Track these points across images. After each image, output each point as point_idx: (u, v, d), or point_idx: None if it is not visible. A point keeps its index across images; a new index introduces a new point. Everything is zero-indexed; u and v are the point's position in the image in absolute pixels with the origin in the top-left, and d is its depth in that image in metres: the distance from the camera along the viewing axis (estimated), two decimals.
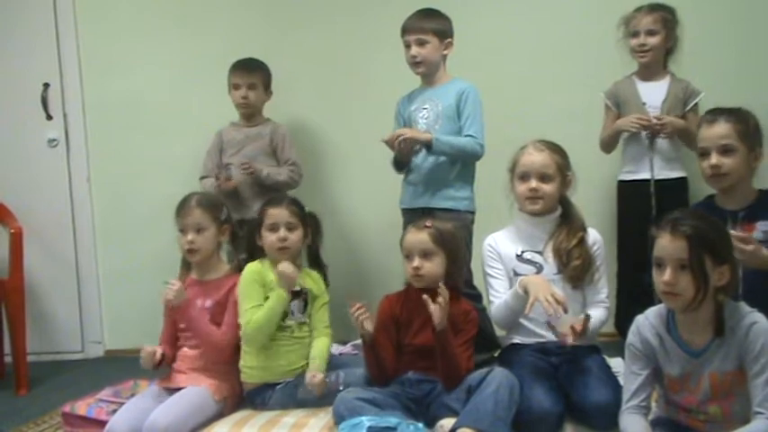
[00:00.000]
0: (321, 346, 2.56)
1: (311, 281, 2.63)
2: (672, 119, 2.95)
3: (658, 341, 1.90)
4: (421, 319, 2.33)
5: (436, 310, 2.21)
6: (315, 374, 2.40)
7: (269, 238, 2.56)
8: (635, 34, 3.04)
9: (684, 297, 1.78)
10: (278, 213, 2.57)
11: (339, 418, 2.20)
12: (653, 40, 3.01)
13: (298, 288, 2.54)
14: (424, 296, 2.22)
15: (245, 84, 3.28)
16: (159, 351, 2.54)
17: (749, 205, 2.27)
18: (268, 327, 2.47)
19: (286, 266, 2.49)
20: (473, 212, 2.89)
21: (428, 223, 2.40)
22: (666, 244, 1.79)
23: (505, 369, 2.22)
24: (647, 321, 1.94)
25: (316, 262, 2.71)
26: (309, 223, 2.65)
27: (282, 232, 2.55)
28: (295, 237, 2.57)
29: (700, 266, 1.76)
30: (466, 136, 2.80)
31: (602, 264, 2.44)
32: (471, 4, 3.38)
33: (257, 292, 2.51)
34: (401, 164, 2.93)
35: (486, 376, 2.16)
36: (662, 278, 1.79)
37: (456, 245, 2.43)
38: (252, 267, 2.57)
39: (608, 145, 3.12)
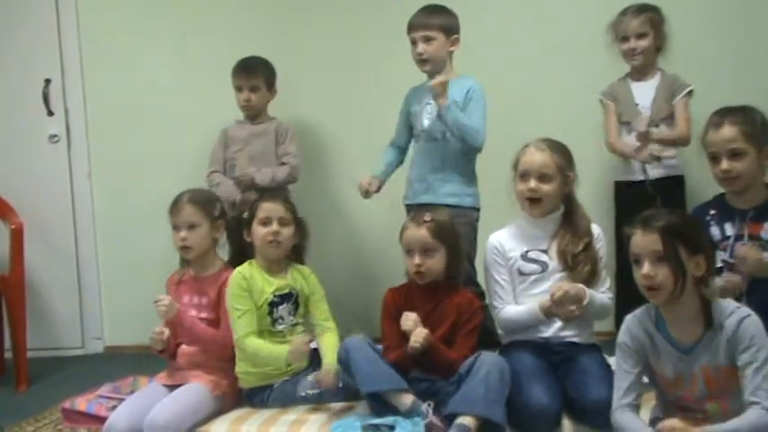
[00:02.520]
0: (328, 341, 2.54)
1: (301, 278, 2.61)
2: (660, 134, 2.95)
3: (648, 339, 1.92)
4: (424, 311, 2.34)
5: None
6: (327, 374, 2.39)
7: (260, 232, 2.53)
8: (624, 39, 3.03)
9: (665, 289, 1.82)
10: (272, 207, 2.55)
11: (343, 353, 2.29)
12: (643, 43, 3.01)
13: (286, 291, 2.53)
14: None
15: (247, 86, 3.26)
16: (167, 331, 2.51)
17: (759, 204, 2.26)
18: (260, 361, 2.47)
19: (299, 343, 2.45)
20: (478, 209, 2.90)
21: (427, 217, 2.39)
22: (640, 239, 1.86)
23: (493, 353, 2.25)
24: (635, 319, 1.97)
25: (298, 261, 2.68)
26: (299, 224, 2.63)
27: (275, 226, 2.52)
28: (287, 232, 2.55)
29: (675, 257, 1.81)
30: None
31: (604, 256, 2.45)
32: (473, 3, 3.38)
33: (245, 299, 2.48)
34: None
35: (474, 362, 2.18)
36: (641, 273, 1.84)
37: (455, 236, 2.43)
38: (239, 273, 2.53)
39: (615, 153, 3.11)
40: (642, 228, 1.85)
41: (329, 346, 2.52)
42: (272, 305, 2.53)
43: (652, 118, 3.00)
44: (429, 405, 2.17)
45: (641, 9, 3.02)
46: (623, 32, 3.03)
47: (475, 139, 2.81)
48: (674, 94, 3.01)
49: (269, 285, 2.53)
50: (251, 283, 2.51)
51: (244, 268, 2.55)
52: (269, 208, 2.55)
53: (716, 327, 1.83)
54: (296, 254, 2.66)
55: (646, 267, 1.83)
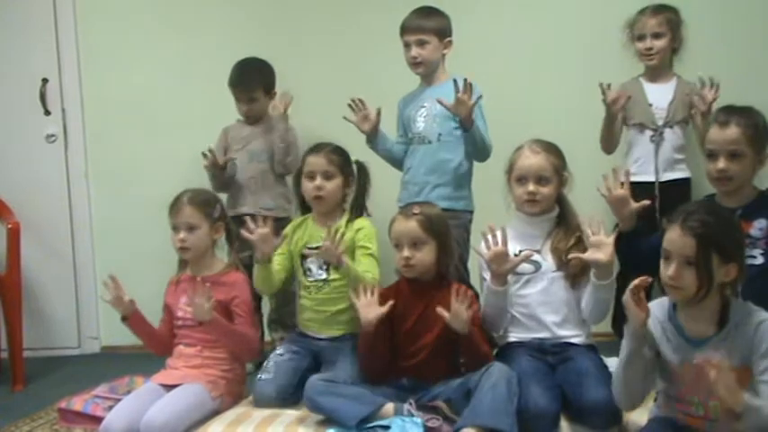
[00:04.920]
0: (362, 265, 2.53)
1: (349, 232, 2.59)
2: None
3: (660, 329, 1.92)
4: (415, 312, 2.35)
5: (454, 319, 2.22)
6: (328, 247, 2.43)
7: (306, 186, 2.63)
8: (641, 38, 3.02)
9: (687, 292, 1.82)
10: (315, 161, 2.63)
11: (309, 401, 2.28)
12: (660, 43, 3.00)
13: (318, 245, 2.54)
14: (438, 309, 2.22)
15: (245, 99, 3.27)
16: (119, 287, 2.57)
17: (747, 203, 2.27)
18: (261, 283, 2.62)
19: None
20: (471, 212, 2.90)
21: (416, 210, 2.38)
22: (675, 238, 1.82)
23: (502, 364, 2.23)
24: (655, 304, 1.94)
25: (359, 212, 2.69)
26: (352, 173, 2.68)
27: (319, 181, 2.60)
28: (331, 186, 2.61)
29: (705, 265, 1.79)
30: None
31: None
32: (471, 3, 3.38)
33: (285, 242, 2.66)
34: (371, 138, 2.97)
35: (482, 375, 2.17)
36: (667, 272, 1.82)
37: (446, 230, 2.41)
38: (293, 222, 2.75)
39: (606, 141, 3.09)
40: (681, 227, 1.80)
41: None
42: (303, 257, 2.64)
43: (667, 120, 3.00)
44: (410, 404, 2.19)
45: (660, 8, 3.02)
46: (640, 31, 3.02)
47: (489, 152, 2.86)
48: (693, 103, 2.97)
49: (307, 237, 2.65)
50: (296, 230, 2.69)
51: (299, 217, 2.74)
52: (312, 162, 2.63)
53: (730, 326, 1.83)
54: (356, 205, 2.69)
55: (672, 269, 1.81)
